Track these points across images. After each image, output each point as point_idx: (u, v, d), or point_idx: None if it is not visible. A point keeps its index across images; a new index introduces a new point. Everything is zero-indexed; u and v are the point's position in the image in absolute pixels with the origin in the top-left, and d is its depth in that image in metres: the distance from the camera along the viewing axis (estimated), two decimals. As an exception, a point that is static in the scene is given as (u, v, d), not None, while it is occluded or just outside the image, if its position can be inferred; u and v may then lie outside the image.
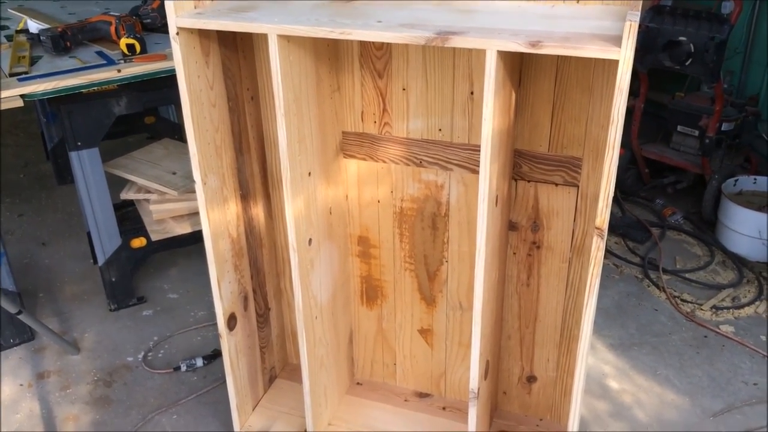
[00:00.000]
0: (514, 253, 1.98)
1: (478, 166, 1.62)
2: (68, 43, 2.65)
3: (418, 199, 1.99)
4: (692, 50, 3.04)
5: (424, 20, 1.50)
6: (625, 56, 1.29)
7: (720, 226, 3.25)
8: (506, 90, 1.58)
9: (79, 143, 2.54)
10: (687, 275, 3.06)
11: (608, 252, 3.22)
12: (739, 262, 3.12)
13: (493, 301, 1.83)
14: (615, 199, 3.68)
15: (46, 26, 2.82)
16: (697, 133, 3.38)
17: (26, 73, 2.44)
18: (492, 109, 1.43)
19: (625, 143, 3.59)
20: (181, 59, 1.60)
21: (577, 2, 1.60)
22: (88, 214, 2.65)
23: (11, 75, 2.41)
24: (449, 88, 1.81)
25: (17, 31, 2.92)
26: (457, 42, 1.39)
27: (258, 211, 2.08)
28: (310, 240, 1.84)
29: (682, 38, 3.06)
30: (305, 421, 2.04)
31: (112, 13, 2.81)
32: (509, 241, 1.97)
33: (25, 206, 3.63)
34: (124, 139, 4.05)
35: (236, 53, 1.84)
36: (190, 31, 1.60)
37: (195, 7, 1.62)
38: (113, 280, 2.78)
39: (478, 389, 1.76)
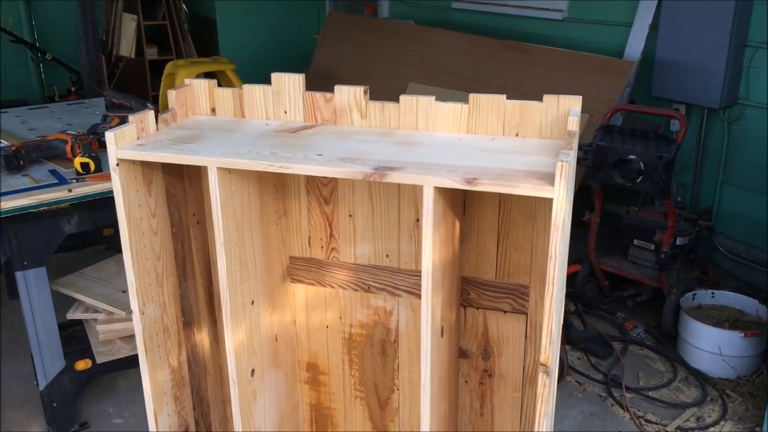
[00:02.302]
0: (466, 382, 1.92)
1: (423, 297, 1.60)
2: (21, 162, 2.64)
3: (367, 325, 1.95)
4: (642, 168, 3.12)
5: (365, 153, 1.51)
6: (558, 195, 1.30)
7: (681, 340, 3.23)
8: (449, 220, 1.58)
9: (26, 263, 2.48)
10: (650, 393, 3.00)
11: (571, 368, 3.17)
12: (701, 378, 3.08)
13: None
14: (576, 313, 3.66)
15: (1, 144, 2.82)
16: (653, 247, 3.42)
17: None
18: (432, 242, 1.42)
19: (583, 256, 3.61)
20: (120, 190, 1.58)
21: (516, 136, 1.63)
22: (31, 334, 2.55)
23: (-42, 195, 2.37)
24: (395, 214, 1.81)
25: (-28, 149, 2.91)
26: (395, 178, 1.40)
27: (202, 337, 2.02)
28: (253, 371, 1.77)
29: (631, 156, 3.15)
30: None
31: (69, 132, 2.82)
32: (460, 369, 1.92)
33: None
34: (81, 251, 3.99)
35: (181, 179, 1.83)
36: (132, 161, 1.59)
37: (138, 138, 1.62)
38: (54, 405, 2.64)
39: None
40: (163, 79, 4.91)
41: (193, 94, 1.80)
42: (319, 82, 4.94)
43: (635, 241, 3.52)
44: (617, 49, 3.98)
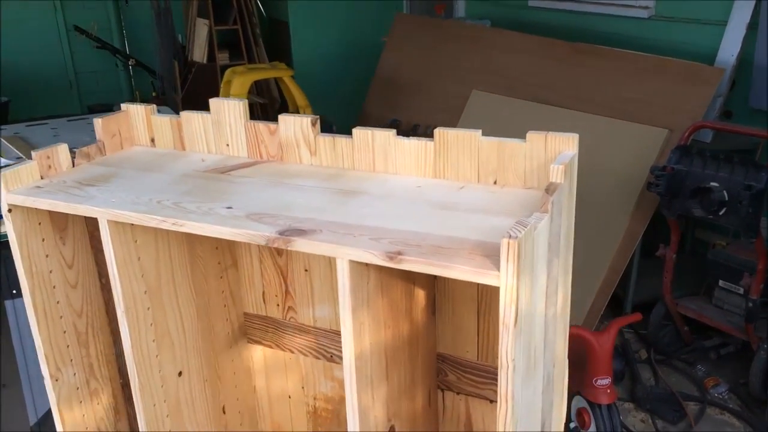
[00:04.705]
0: (449, 477, 1.56)
1: (366, 387, 1.26)
2: None
3: (333, 400, 1.62)
4: (725, 199, 2.59)
5: (286, 207, 1.19)
6: (507, 284, 0.93)
7: (771, 406, 2.68)
8: (397, 290, 1.23)
9: (15, 291, 2.33)
10: (725, 473, 2.49)
11: (630, 433, 2.70)
12: (793, 457, 2.52)
13: None
14: (648, 362, 3.15)
15: (8, 162, 2.70)
16: (741, 291, 2.87)
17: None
18: (351, 329, 1.08)
19: (659, 296, 3.10)
20: (15, 239, 1.34)
21: (494, 183, 1.25)
22: (21, 367, 2.41)
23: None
24: (358, 272, 1.47)
25: (-12, 165, 2.82)
26: (303, 246, 1.07)
27: (155, 397, 1.76)
28: (184, 452, 1.49)
29: (713, 184, 2.63)
30: None
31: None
32: (442, 461, 1.55)
33: None
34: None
35: (118, 221, 1.58)
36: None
37: (42, 177, 1.37)
38: (47, 440, 2.49)
39: None
40: (221, 86, 4.76)
41: (130, 122, 1.54)
42: (384, 87, 4.64)
43: (721, 283, 2.97)
44: (709, 52, 3.41)
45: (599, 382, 2.48)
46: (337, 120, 4.44)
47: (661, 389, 2.95)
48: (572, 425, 2.64)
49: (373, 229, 1.09)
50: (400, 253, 1.00)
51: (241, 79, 4.45)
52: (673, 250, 2.98)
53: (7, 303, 2.37)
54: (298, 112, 4.73)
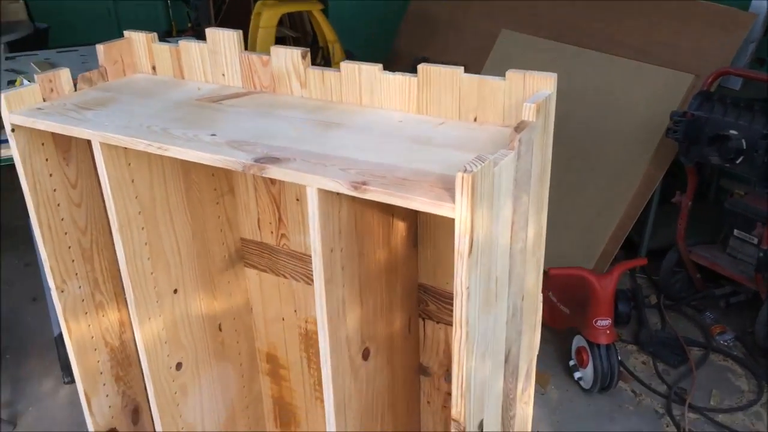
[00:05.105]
0: (429, 402, 1.63)
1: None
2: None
3: (322, 324, 1.69)
4: (743, 147, 2.55)
5: (267, 136, 1.23)
6: (461, 216, 0.96)
7: (775, 357, 2.69)
8: (372, 220, 1.27)
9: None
10: (720, 417, 2.52)
11: (630, 374, 2.74)
12: (791, 407, 2.55)
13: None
14: (657, 307, 3.17)
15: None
16: (756, 240, 2.84)
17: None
18: (321, 254, 1.14)
19: (670, 242, 3.10)
20: (20, 159, 1.42)
21: (474, 120, 1.27)
22: (45, 284, 2.54)
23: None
24: (346, 203, 1.52)
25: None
26: (276, 173, 1.12)
27: (160, 314, 1.86)
28: (179, 364, 1.59)
29: (732, 132, 2.58)
30: None
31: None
32: (422, 388, 1.63)
33: (33, 255, 3.63)
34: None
35: (122, 145, 1.65)
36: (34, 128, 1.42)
37: (45, 99, 1.44)
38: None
39: None
40: (252, 18, 4.75)
41: (132, 49, 1.59)
42: (415, 25, 4.58)
43: (735, 232, 2.94)
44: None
45: (599, 322, 2.51)
46: (366, 57, 4.42)
47: (666, 334, 2.97)
48: (571, 363, 2.69)
49: (345, 160, 1.13)
50: (364, 183, 1.04)
51: (270, 11, 4.44)
52: (689, 198, 2.96)
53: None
54: (327, 47, 4.72)
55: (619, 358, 2.62)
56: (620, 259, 3.02)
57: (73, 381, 2.68)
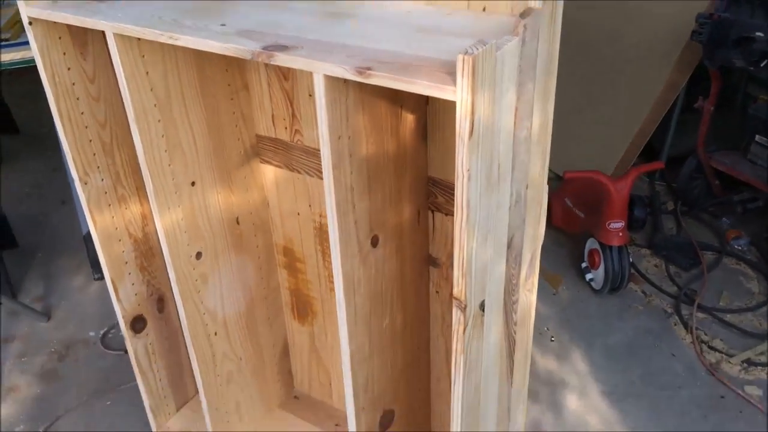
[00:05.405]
0: (437, 292, 1.70)
1: (352, 200, 1.37)
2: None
3: (335, 217, 1.75)
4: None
5: (276, 26, 1.25)
6: (462, 98, 0.99)
7: (787, 261, 2.72)
8: (380, 110, 1.30)
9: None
10: (728, 317, 2.58)
11: (641, 276, 2.79)
12: (799, 308, 2.59)
13: (390, 348, 1.58)
14: (674, 213, 3.18)
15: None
16: (777, 146, 2.82)
17: (8, 40, 2.41)
18: (329, 139, 1.17)
19: (692, 149, 3.08)
20: (38, 51, 1.45)
21: (483, 10, 1.27)
22: (73, 186, 2.63)
23: (-2, 39, 2.40)
24: (357, 97, 1.54)
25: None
26: (284, 60, 1.14)
27: (181, 209, 1.93)
28: (199, 253, 1.67)
29: (758, 34, 2.51)
30: None
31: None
32: (431, 278, 1.69)
33: (60, 161, 3.72)
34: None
35: (137, 41, 1.67)
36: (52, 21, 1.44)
37: (60, -7, 1.45)
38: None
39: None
40: None
41: (144, -58, 1.58)
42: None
43: (757, 137, 2.91)
44: None
45: (612, 225, 2.55)
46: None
47: (680, 238, 3.00)
48: (583, 265, 2.75)
49: (352, 48, 1.14)
50: (369, 68, 1.06)
51: None
52: (711, 103, 2.92)
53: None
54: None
55: (631, 260, 2.66)
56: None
57: (102, 277, 2.81)
